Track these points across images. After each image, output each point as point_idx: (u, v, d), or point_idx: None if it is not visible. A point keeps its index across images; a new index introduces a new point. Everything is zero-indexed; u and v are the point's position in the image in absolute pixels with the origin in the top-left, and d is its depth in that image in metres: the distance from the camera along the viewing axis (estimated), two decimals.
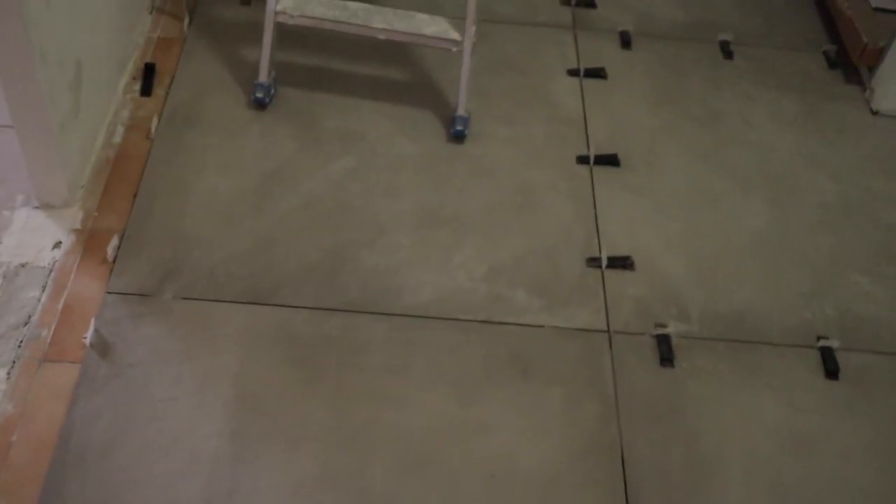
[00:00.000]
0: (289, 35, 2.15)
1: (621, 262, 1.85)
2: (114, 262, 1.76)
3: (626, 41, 2.39)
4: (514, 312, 1.75)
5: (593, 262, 1.85)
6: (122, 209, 1.85)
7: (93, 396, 1.57)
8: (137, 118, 2.03)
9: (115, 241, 1.79)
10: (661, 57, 2.37)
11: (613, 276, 1.83)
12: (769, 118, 2.23)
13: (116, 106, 2.04)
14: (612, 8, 2.49)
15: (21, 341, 1.63)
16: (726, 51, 2.40)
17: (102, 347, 1.63)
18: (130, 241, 1.80)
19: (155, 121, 2.02)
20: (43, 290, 1.71)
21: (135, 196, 1.88)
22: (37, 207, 1.83)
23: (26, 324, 1.66)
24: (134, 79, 2.11)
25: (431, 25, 2.02)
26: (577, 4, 2.49)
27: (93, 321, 1.65)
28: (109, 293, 1.71)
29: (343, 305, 1.73)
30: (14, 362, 1.61)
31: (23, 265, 1.74)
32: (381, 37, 2.02)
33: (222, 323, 1.69)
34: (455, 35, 2.00)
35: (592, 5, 2.50)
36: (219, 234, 1.83)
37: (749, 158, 2.12)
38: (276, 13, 2.00)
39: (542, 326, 1.74)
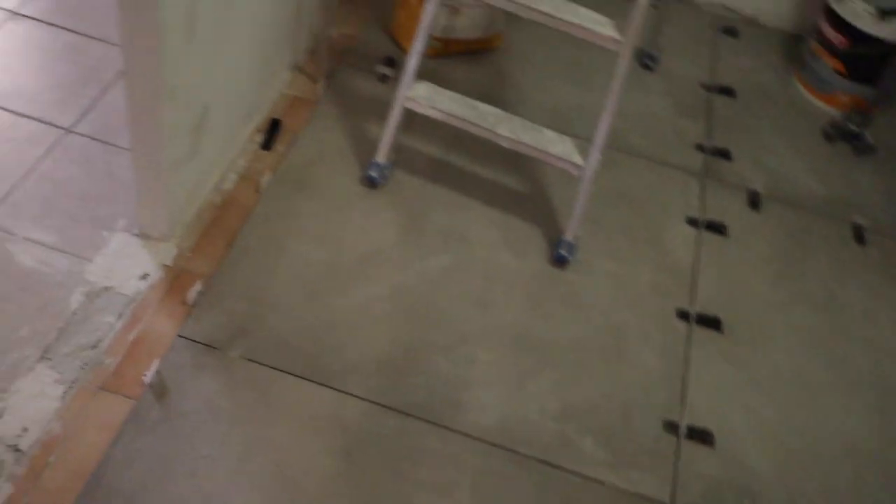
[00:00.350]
0: (415, 121, 2.25)
1: (701, 436, 1.82)
2: (192, 306, 1.84)
3: (754, 201, 2.41)
4: (577, 460, 1.74)
5: (671, 427, 1.83)
6: (214, 256, 1.95)
7: (138, 437, 1.63)
8: (252, 170, 2.15)
9: (198, 286, 1.87)
10: (788, 226, 2.36)
11: (689, 447, 1.81)
12: (893, 320, 2.18)
13: (235, 154, 2.17)
14: (747, 163, 2.52)
15: (86, 364, 1.72)
16: (859, 235, 2.38)
17: (160, 390, 1.70)
18: (213, 290, 1.88)
19: (268, 176, 2.14)
20: (119, 318, 1.80)
21: (229, 246, 1.97)
22: (135, 235, 1.94)
23: (94, 347, 1.75)
24: (258, 130, 2.24)
25: (557, 144, 2.08)
26: (713, 153, 2.52)
27: (157, 362, 1.73)
28: (180, 336, 1.79)
29: (404, 407, 1.76)
30: (73, 383, 1.69)
31: (107, 288, 1.84)
32: (505, 145, 2.09)
33: (280, 394, 1.74)
34: (578, 159, 2.06)
35: (727, 156, 2.53)
36: (299, 304, 1.90)
37: (863, 357, 2.07)
38: (407, 99, 2.10)
39: (602, 483, 1.72)
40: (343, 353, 1.83)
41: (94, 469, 1.58)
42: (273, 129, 2.24)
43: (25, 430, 1.62)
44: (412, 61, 2.07)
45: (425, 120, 2.14)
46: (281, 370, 1.77)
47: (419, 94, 2.11)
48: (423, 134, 2.33)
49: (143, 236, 1.94)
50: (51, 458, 1.58)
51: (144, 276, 1.88)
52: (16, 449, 1.59)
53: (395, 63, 2.50)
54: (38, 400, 1.66)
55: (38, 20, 2.40)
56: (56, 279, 1.84)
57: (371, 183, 2.17)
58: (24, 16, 2.41)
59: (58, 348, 1.73)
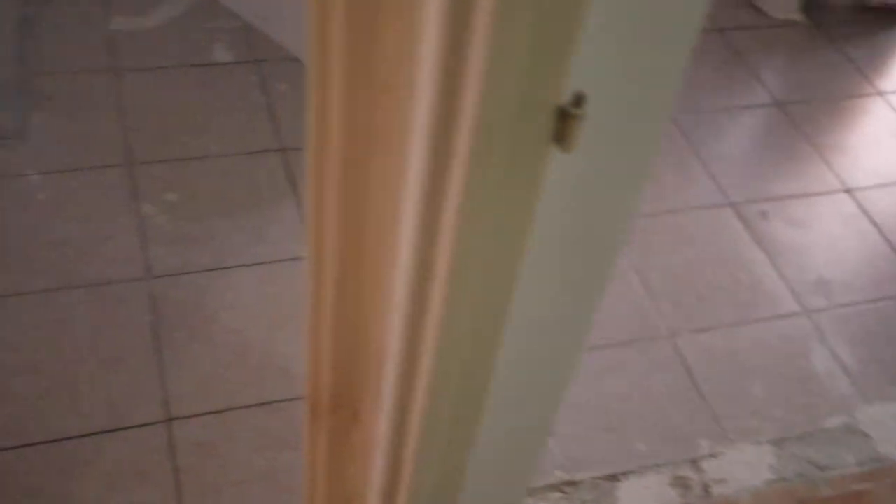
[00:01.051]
0: None
1: None
2: None
3: None
4: None
5: None
6: None
7: None
8: None
9: None
10: None
11: None
12: None
13: None
14: None
15: (802, 475, 1.90)
16: None
17: None
18: None
19: None
20: (857, 465, 1.92)
21: None
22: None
23: (820, 469, 1.91)
24: None
25: None
26: None
27: None
28: None
29: None
30: (781, 480, 1.88)
31: (720, 480, 1.89)
32: None
33: None
34: None
35: None
36: None
37: None
38: None
39: None
40: None
41: None
42: None
43: (722, 481, 1.87)
44: None
45: None
46: None
47: None
48: None
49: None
50: None
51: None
52: (707, 490, 1.86)
53: None
54: (746, 467, 1.90)
55: None
56: (820, 402, 2.03)
57: None
58: None
59: (792, 446, 1.94)
